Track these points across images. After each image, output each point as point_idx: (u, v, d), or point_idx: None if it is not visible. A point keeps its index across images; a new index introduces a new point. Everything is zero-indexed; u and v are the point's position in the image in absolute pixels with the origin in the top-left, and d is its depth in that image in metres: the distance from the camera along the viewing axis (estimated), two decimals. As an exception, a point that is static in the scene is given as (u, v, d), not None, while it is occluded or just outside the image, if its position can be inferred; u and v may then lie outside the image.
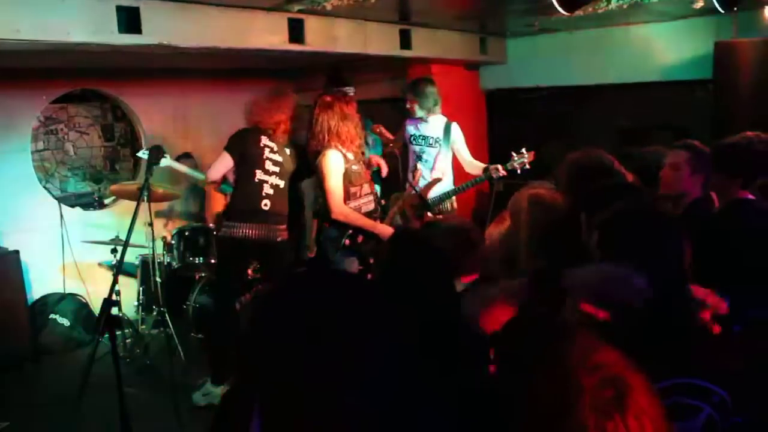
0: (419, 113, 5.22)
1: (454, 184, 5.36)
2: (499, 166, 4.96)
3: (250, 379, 1.17)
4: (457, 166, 5.43)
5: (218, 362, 4.60)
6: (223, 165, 4.57)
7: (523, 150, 4.99)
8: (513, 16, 5.66)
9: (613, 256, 1.90)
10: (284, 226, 4.64)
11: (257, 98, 4.71)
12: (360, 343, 1.06)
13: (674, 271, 1.86)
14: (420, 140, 5.34)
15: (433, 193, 5.13)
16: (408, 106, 5.27)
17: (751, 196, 3.20)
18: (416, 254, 2.21)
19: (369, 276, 4.32)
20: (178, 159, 6.26)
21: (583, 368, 1.12)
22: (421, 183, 5.17)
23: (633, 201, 2.30)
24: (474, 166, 5.29)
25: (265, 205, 4.53)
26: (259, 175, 4.54)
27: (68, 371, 5.29)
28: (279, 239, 4.60)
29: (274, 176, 4.59)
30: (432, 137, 5.30)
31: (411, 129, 5.41)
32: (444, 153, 5.27)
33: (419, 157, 5.35)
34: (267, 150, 4.57)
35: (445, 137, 5.25)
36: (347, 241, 4.35)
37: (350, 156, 4.40)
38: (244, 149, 4.55)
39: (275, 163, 4.60)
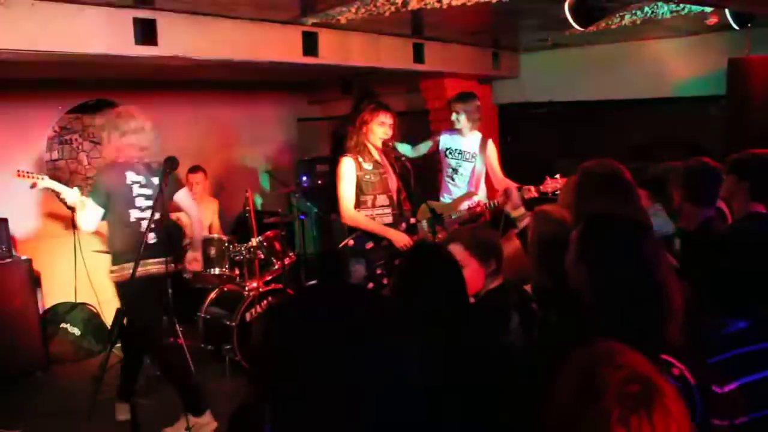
0: (463, 124, 5.19)
1: (487, 198, 5.37)
2: (532, 188, 4.97)
3: (262, 391, 1.18)
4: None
5: (189, 395, 4.26)
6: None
7: (558, 175, 5.01)
8: (526, 30, 5.67)
9: (589, 263, 1.96)
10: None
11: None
12: (370, 356, 1.06)
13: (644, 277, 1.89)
14: (456, 154, 5.32)
15: (467, 205, 5.17)
16: (453, 117, 5.21)
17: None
18: (430, 264, 2.30)
19: (371, 285, 4.35)
20: (190, 172, 6.31)
21: (608, 366, 1.15)
22: (453, 196, 5.21)
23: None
24: (506, 184, 5.34)
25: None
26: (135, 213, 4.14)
27: (79, 380, 5.30)
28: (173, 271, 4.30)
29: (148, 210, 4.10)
30: (469, 152, 5.30)
31: (447, 142, 5.36)
32: (479, 168, 5.29)
33: (455, 171, 5.33)
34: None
35: (480, 152, 5.27)
36: (351, 242, 4.38)
37: (367, 165, 4.47)
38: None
39: (147, 197, 4.16)
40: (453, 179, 5.33)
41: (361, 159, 4.50)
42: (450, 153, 5.35)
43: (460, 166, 5.32)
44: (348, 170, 4.47)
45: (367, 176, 4.49)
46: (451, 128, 5.33)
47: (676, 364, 1.74)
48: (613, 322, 1.88)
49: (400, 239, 4.43)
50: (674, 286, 1.91)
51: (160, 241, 4.07)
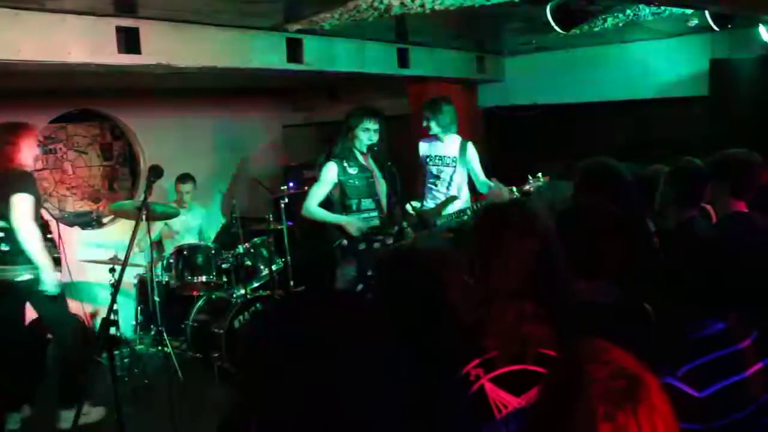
0: (435, 130, 5.19)
1: (471, 201, 5.39)
2: (514, 188, 5.00)
3: (248, 397, 1.18)
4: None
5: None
6: None
7: (539, 174, 5.03)
8: (510, 34, 5.70)
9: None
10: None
11: None
12: (354, 360, 1.07)
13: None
14: (437, 160, 5.30)
15: (451, 210, 5.18)
16: (424, 123, 5.23)
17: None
18: (405, 270, 2.28)
19: (361, 286, 4.37)
20: (179, 181, 6.29)
21: (594, 363, 1.16)
22: (436, 201, 5.21)
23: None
24: (487, 186, 5.37)
25: None
26: None
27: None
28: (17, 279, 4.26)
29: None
30: (449, 156, 5.30)
31: (426, 149, 5.35)
32: (460, 172, 5.29)
33: (437, 177, 5.31)
34: None
35: (461, 156, 5.28)
36: (345, 242, 4.41)
37: (352, 170, 4.51)
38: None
39: None
40: (435, 185, 5.32)
41: (345, 164, 4.54)
42: (430, 160, 5.33)
43: (441, 171, 5.31)
44: (327, 173, 4.55)
45: (352, 180, 4.53)
46: (428, 135, 5.33)
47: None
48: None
49: (351, 225, 4.48)
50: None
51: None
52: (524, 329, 1.72)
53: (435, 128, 5.19)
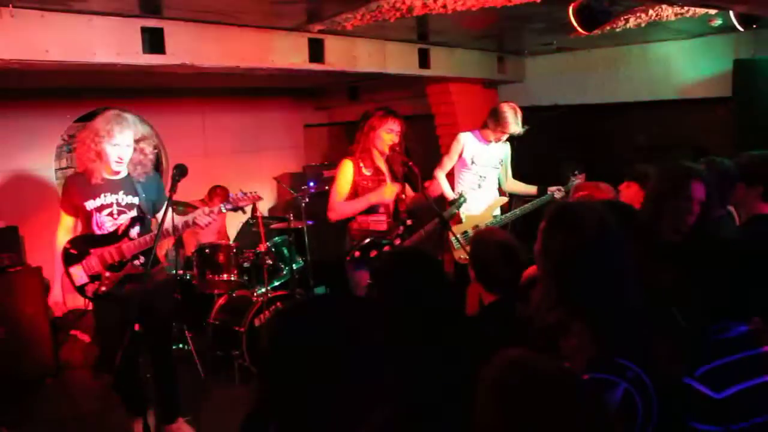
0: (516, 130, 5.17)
1: None
2: (562, 188, 5.05)
3: (269, 395, 1.19)
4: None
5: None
6: None
7: (577, 171, 5.06)
8: (531, 35, 5.69)
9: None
10: None
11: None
12: (371, 362, 1.08)
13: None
14: (485, 162, 5.32)
15: (497, 212, 5.29)
16: (497, 135, 5.18)
17: None
18: (413, 265, 2.36)
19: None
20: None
21: None
22: (481, 205, 5.25)
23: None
24: (516, 185, 5.40)
25: None
26: None
27: (89, 387, 5.33)
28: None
29: None
30: (498, 159, 5.37)
31: (474, 149, 5.28)
32: (499, 173, 5.42)
33: (483, 178, 5.34)
34: None
35: (504, 158, 5.42)
36: (357, 253, 4.39)
37: (366, 171, 4.50)
38: None
39: None
40: (480, 186, 5.32)
41: (362, 164, 4.50)
42: (478, 160, 5.30)
43: (488, 173, 5.35)
44: (346, 171, 4.50)
45: (365, 182, 4.49)
46: (479, 134, 5.30)
47: (631, 367, 1.75)
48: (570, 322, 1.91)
49: (382, 194, 4.45)
50: (633, 283, 1.93)
51: None
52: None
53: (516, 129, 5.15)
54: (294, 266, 5.75)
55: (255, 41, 4.61)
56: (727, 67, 5.28)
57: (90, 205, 3.88)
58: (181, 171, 3.78)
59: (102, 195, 3.89)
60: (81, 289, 3.90)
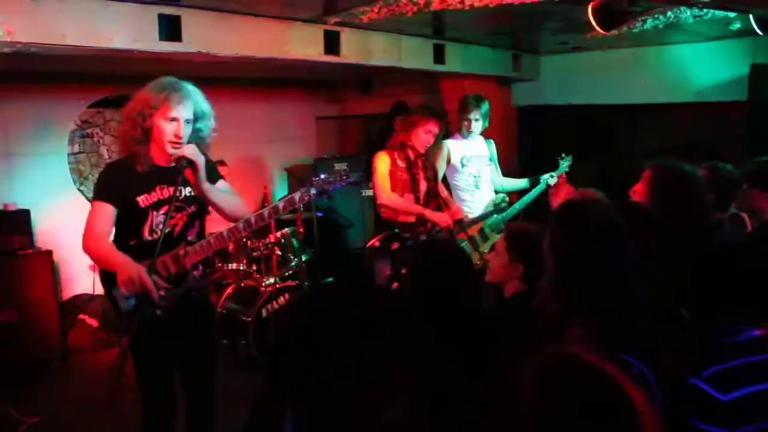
0: (480, 128, 5.13)
1: None
2: (553, 173, 5.00)
3: (284, 385, 1.19)
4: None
5: None
6: None
7: (563, 154, 5.04)
8: (547, 33, 5.67)
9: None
10: None
11: None
12: (389, 350, 1.08)
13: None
14: (475, 160, 5.21)
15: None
16: (465, 123, 5.11)
17: None
18: (443, 258, 2.44)
19: (396, 285, 4.37)
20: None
21: None
22: (477, 203, 5.20)
23: None
24: (507, 182, 5.36)
25: None
26: None
27: (96, 370, 5.37)
28: None
29: None
30: (484, 155, 5.27)
31: (460, 149, 5.18)
32: (492, 170, 5.32)
33: (477, 177, 5.21)
34: None
35: (491, 155, 5.31)
36: (377, 243, 4.42)
37: (400, 163, 4.62)
38: None
39: None
40: (478, 186, 5.21)
41: (396, 156, 4.61)
42: (467, 160, 5.19)
43: (480, 171, 5.24)
44: (383, 162, 4.61)
45: (399, 173, 4.60)
46: (457, 134, 5.26)
47: (636, 364, 1.76)
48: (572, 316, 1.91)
49: (442, 219, 4.48)
50: (638, 281, 1.93)
51: None
52: None
53: (480, 126, 5.12)
54: (303, 257, 5.76)
55: (271, 31, 4.60)
56: (744, 71, 5.25)
57: (144, 201, 2.97)
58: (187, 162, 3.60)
59: (158, 188, 3.01)
60: (130, 314, 2.93)
